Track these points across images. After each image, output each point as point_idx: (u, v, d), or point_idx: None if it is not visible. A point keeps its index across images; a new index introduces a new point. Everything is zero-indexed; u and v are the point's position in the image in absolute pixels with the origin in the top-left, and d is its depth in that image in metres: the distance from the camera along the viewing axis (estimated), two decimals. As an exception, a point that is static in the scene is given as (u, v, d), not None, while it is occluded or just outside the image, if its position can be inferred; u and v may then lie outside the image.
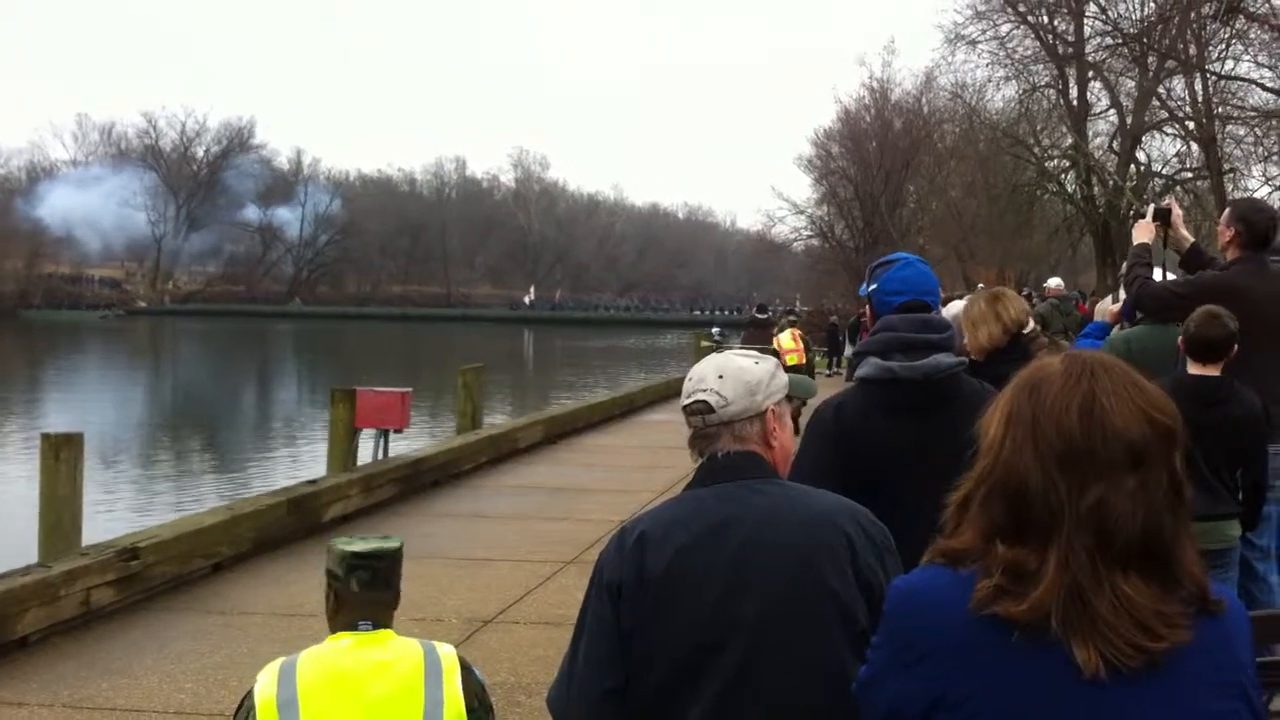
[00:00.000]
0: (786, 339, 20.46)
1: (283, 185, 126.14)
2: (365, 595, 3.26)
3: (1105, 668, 1.52)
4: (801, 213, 59.40)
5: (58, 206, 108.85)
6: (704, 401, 2.55)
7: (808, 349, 21.26)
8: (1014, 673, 1.57)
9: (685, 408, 2.57)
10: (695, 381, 2.58)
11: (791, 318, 26.60)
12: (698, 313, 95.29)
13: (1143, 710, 1.55)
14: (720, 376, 2.57)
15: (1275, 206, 6.71)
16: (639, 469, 14.83)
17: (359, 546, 3.30)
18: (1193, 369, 5.29)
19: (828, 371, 30.24)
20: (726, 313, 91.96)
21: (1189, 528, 1.61)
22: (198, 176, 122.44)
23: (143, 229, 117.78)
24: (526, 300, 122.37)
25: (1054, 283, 17.44)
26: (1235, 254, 5.84)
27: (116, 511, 15.76)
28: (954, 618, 1.60)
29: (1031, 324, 8.25)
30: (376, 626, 3.25)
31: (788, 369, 11.32)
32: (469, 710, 3.20)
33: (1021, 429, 1.63)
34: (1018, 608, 1.56)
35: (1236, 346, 5.26)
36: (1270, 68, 26.28)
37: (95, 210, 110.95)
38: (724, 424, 2.54)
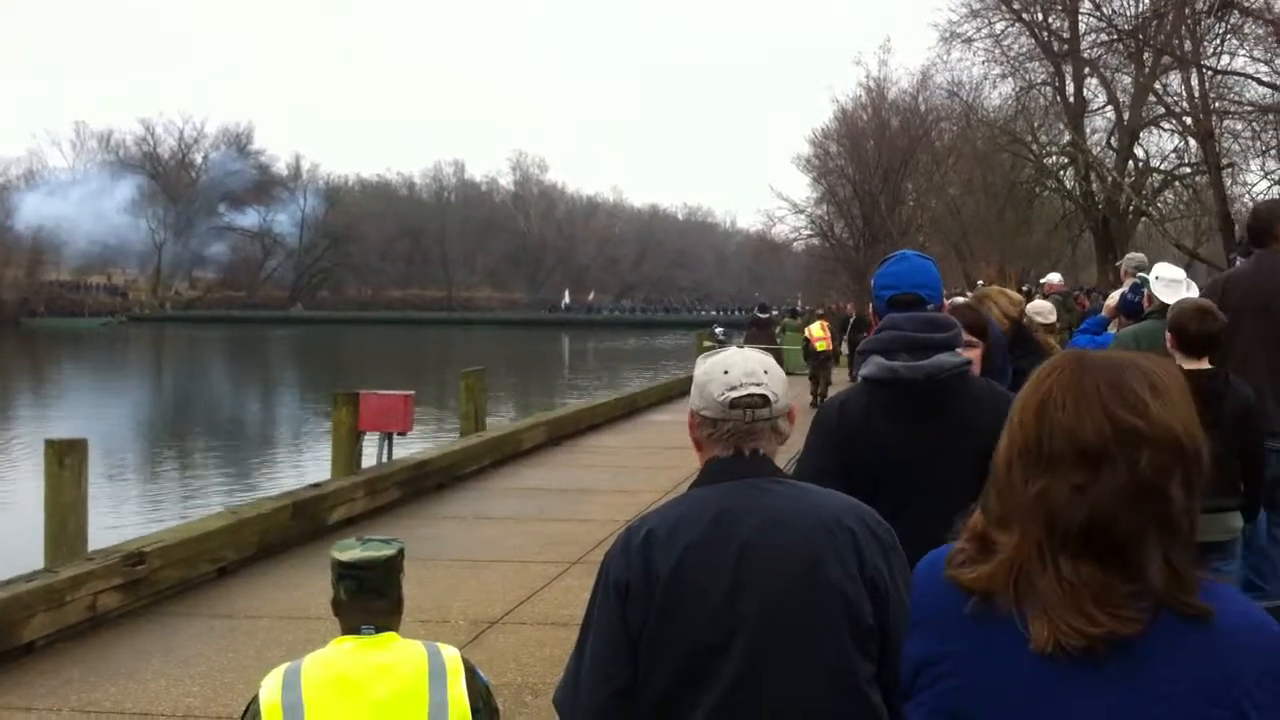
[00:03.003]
0: (816, 328, 24.38)
1: (282, 191, 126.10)
2: (354, 604, 3.27)
3: (1055, 645, 1.59)
4: (801, 212, 59.57)
5: (57, 215, 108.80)
6: (763, 395, 2.52)
7: (834, 338, 24.27)
8: (978, 638, 1.66)
9: (737, 400, 2.50)
10: (742, 374, 2.53)
11: (791, 318, 29.93)
12: (721, 313, 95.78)
13: (1101, 692, 1.59)
14: (766, 371, 2.56)
15: (1267, 208, 6.67)
16: (643, 469, 14.84)
17: (348, 555, 3.29)
18: (1186, 364, 5.31)
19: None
20: (736, 313, 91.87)
21: (1171, 530, 1.62)
22: (196, 183, 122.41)
23: (143, 236, 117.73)
24: (563, 304, 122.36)
25: (1053, 278, 17.48)
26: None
27: (122, 517, 15.77)
28: (941, 586, 1.73)
29: (1039, 318, 8.28)
30: (380, 630, 3.26)
31: (816, 354, 11.41)
32: (474, 712, 3.21)
33: (1010, 421, 1.74)
34: (970, 575, 1.68)
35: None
36: (1266, 62, 26.27)
37: (95, 218, 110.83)
38: (769, 420, 2.54)
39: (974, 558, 1.70)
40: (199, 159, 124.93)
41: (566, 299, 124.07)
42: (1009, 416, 1.75)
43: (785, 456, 3.11)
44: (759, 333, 30.36)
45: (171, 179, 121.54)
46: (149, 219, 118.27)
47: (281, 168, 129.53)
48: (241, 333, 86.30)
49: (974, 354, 4.10)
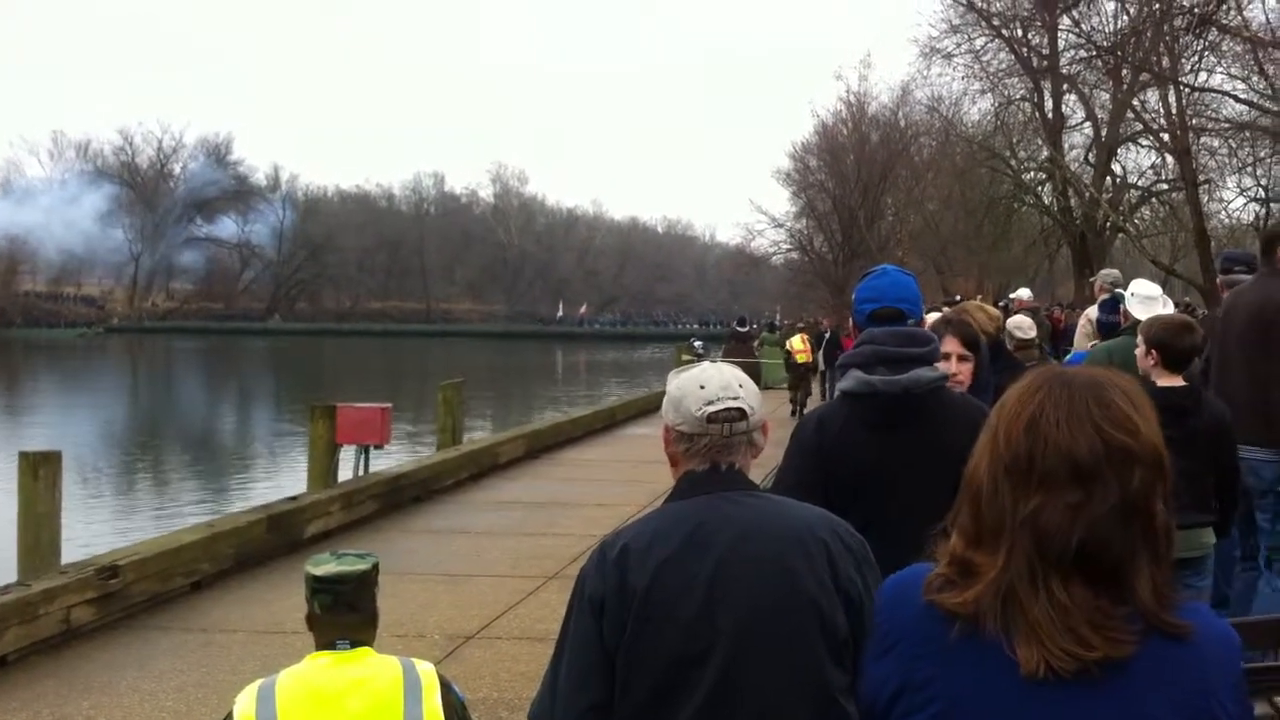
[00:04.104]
0: (797, 341, 25.40)
1: (260, 201, 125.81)
2: (328, 618, 3.26)
3: (1046, 669, 1.57)
4: (780, 226, 59.72)
5: (33, 224, 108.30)
6: (740, 409, 2.53)
7: (814, 351, 25.08)
8: (962, 664, 1.64)
9: (715, 415, 2.50)
10: (719, 389, 2.53)
11: (769, 332, 30.98)
12: (701, 326, 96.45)
13: (1089, 715, 1.58)
14: (741, 385, 2.56)
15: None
16: (620, 483, 14.83)
17: (322, 570, 3.28)
18: (1161, 380, 5.34)
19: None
20: (716, 326, 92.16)
21: (1155, 549, 1.63)
22: (174, 193, 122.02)
23: (120, 246, 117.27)
24: (558, 317, 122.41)
25: (1023, 294, 17.59)
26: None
27: (96, 529, 15.67)
28: (917, 609, 1.69)
29: (1019, 333, 8.32)
30: (355, 645, 3.25)
31: (796, 366, 11.51)
32: (449, 726, 3.20)
33: (986, 438, 1.71)
34: (954, 599, 1.65)
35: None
36: (1243, 79, 26.46)
37: (72, 228, 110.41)
38: (746, 434, 2.55)
39: (955, 581, 1.67)
40: (177, 169, 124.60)
41: (560, 312, 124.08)
42: (989, 432, 1.72)
43: (762, 470, 3.11)
44: (738, 346, 30.52)
45: (149, 189, 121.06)
46: (126, 229, 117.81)
47: (260, 178, 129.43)
48: (219, 344, 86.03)
49: (966, 369, 4.11)
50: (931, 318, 6.36)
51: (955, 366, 4.06)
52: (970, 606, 1.63)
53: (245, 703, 3.17)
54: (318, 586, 3.26)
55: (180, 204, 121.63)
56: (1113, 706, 1.58)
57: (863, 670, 1.79)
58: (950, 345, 4.16)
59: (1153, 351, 5.40)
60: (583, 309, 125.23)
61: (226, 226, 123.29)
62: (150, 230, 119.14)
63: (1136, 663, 1.58)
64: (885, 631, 1.74)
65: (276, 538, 10.23)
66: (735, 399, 2.53)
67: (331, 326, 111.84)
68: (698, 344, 38.22)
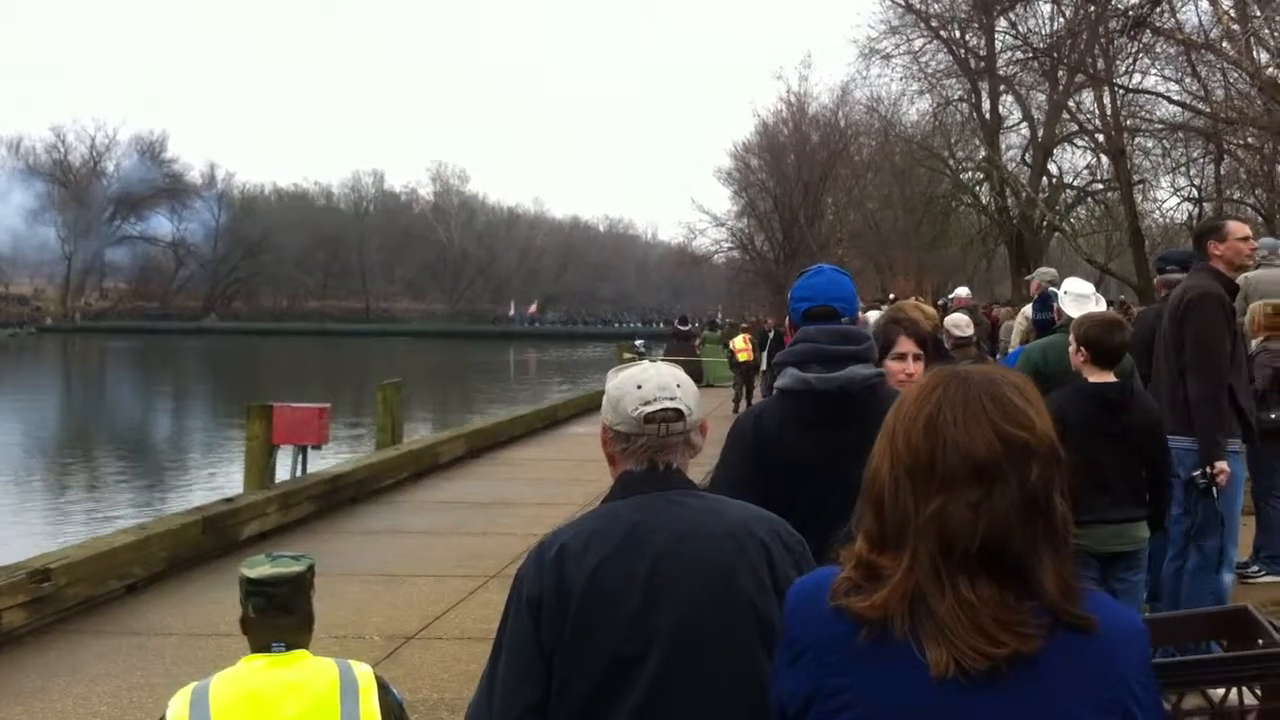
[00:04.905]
0: (739, 341, 25.95)
1: (195, 199, 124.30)
2: (262, 620, 3.23)
3: (956, 669, 1.57)
4: (722, 225, 59.86)
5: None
6: (677, 410, 2.52)
7: (755, 350, 25.29)
8: (872, 668, 1.63)
9: (652, 415, 2.50)
10: (656, 389, 2.53)
11: (710, 330, 31.79)
12: (643, 325, 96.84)
13: (1002, 713, 1.59)
14: (679, 385, 2.56)
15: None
16: (562, 482, 14.82)
17: (256, 572, 3.26)
18: (1092, 377, 5.41)
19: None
20: (658, 325, 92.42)
21: (1056, 542, 1.64)
22: (107, 190, 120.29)
23: (51, 244, 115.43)
24: (530, 312, 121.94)
25: (961, 292, 17.77)
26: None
27: (26, 533, 15.41)
28: (824, 614, 1.68)
29: (957, 331, 8.39)
30: (290, 648, 3.22)
31: (739, 365, 11.68)
32: (386, 729, 3.18)
33: (885, 440, 1.72)
34: (861, 604, 1.64)
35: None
36: (1176, 81, 26.84)
37: (2, 226, 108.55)
38: (683, 434, 2.54)
39: (861, 585, 1.67)
40: (110, 166, 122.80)
41: (512, 310, 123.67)
42: (887, 434, 1.72)
43: (702, 469, 3.11)
44: (679, 345, 30.60)
45: (82, 187, 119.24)
46: (58, 227, 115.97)
47: (195, 176, 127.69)
48: (154, 343, 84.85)
49: (918, 367, 4.14)
50: (872, 316, 6.41)
51: (912, 366, 4.08)
52: (878, 610, 1.63)
53: (178, 706, 3.13)
54: (251, 589, 3.23)
55: (113, 201, 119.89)
56: (1024, 703, 1.59)
57: (772, 678, 1.77)
58: (906, 345, 4.19)
59: (1082, 349, 5.48)
60: (532, 308, 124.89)
61: (161, 225, 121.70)
62: (83, 228, 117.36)
63: (1045, 658, 1.59)
64: (793, 639, 1.73)
65: (212, 540, 10.11)
66: (672, 399, 2.52)
67: (269, 326, 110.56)
68: (639, 343, 38.32)
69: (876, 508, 1.70)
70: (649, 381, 2.55)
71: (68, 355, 75.30)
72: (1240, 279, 6.97)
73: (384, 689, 3.25)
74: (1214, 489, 6.02)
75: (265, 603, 3.22)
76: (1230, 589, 6.45)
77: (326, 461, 15.48)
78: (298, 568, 3.29)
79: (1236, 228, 6.51)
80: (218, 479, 20.23)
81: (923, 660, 1.59)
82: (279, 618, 3.23)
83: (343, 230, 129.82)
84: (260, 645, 3.23)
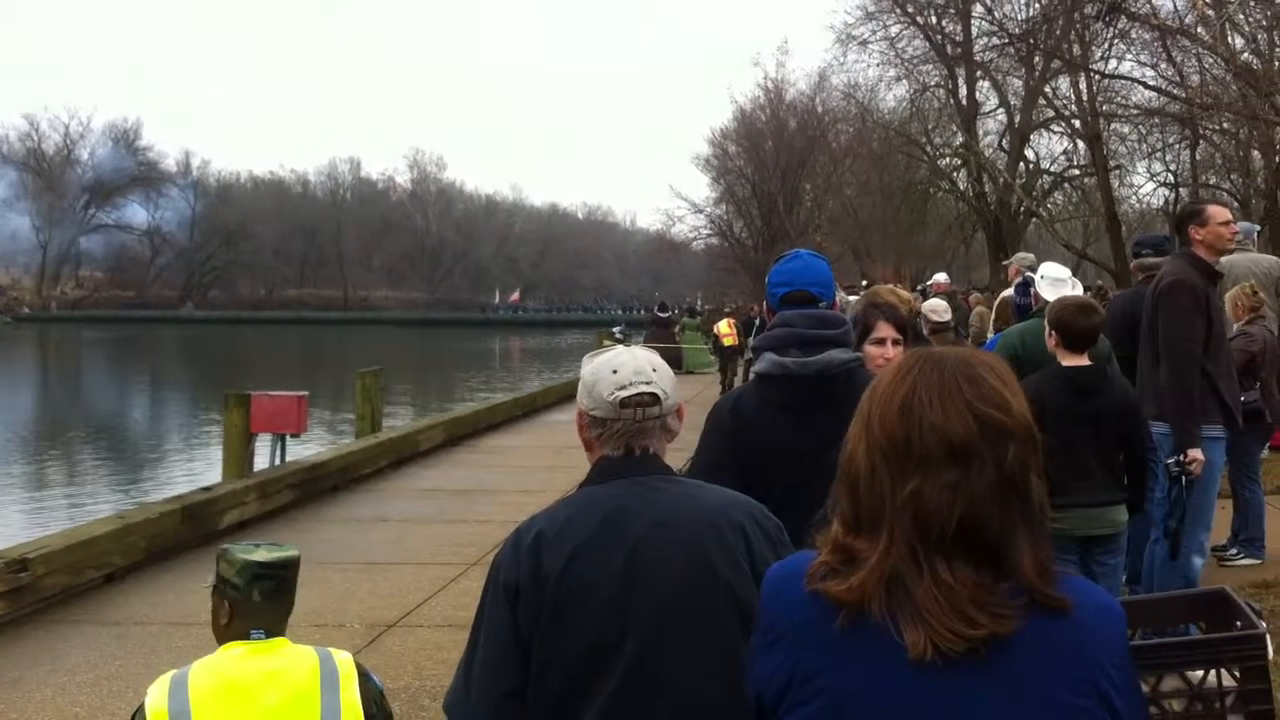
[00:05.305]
0: (724, 325, 26.34)
1: (170, 187, 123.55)
2: (266, 605, 3.21)
3: (934, 651, 1.58)
4: (700, 212, 59.92)
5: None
6: (653, 394, 2.51)
7: (740, 335, 25.92)
8: (850, 652, 1.63)
9: (627, 400, 2.49)
10: (631, 373, 2.52)
11: (690, 317, 32.49)
12: (623, 311, 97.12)
13: (978, 695, 1.59)
14: (654, 370, 2.55)
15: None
16: (541, 469, 14.82)
17: (262, 556, 3.24)
18: (1066, 361, 5.43)
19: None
20: (638, 311, 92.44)
21: (1033, 523, 1.64)
22: (82, 179, 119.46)
23: (26, 234, 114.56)
24: (513, 300, 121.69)
25: (940, 278, 17.83)
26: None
27: (4, 522, 15.33)
28: (801, 598, 1.68)
29: (934, 316, 8.42)
30: (270, 635, 3.21)
31: (724, 349, 11.76)
32: (367, 717, 3.18)
33: (860, 424, 1.72)
34: (838, 587, 1.64)
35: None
36: (1152, 66, 26.90)
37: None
38: (659, 418, 2.53)
39: (838, 569, 1.66)
40: (85, 155, 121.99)
41: (497, 299, 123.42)
42: (862, 418, 1.72)
43: (682, 455, 3.11)
44: (659, 331, 30.73)
45: (56, 175, 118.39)
46: (33, 216, 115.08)
47: (170, 164, 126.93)
48: (131, 332, 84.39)
49: (896, 352, 4.15)
50: (851, 300, 6.42)
51: (891, 351, 4.10)
52: (855, 593, 1.62)
53: (157, 695, 3.12)
54: (261, 572, 3.21)
55: (87, 190, 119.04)
56: (1001, 685, 1.59)
57: (750, 664, 1.76)
58: (885, 330, 4.20)
59: (1054, 333, 5.50)
60: (515, 295, 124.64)
61: (136, 213, 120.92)
62: (58, 217, 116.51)
63: (1021, 639, 1.59)
64: (770, 624, 1.72)
65: (191, 529, 10.08)
66: (647, 383, 2.52)
67: (247, 315, 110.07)
68: (618, 329, 38.33)
69: (852, 491, 1.69)
70: (624, 366, 2.54)
71: (44, 345, 74.84)
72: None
73: (364, 677, 3.25)
74: (1184, 476, 6.04)
75: (274, 586, 3.21)
76: (1200, 572, 6.48)
77: (306, 450, 15.45)
78: (294, 550, 3.31)
79: (1217, 212, 6.52)
80: (196, 468, 20.15)
81: (900, 643, 1.59)
82: (282, 602, 3.24)
83: (320, 218, 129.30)
84: (242, 632, 3.22)
